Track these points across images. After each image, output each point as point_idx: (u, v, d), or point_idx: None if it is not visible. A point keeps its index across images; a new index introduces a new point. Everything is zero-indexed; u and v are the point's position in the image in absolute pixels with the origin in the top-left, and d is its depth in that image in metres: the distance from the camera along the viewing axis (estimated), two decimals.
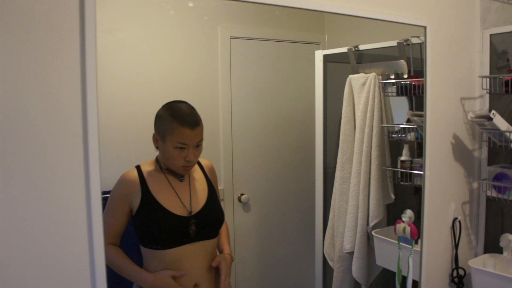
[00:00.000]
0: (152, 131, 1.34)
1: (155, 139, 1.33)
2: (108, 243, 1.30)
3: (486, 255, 1.85)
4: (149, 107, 1.34)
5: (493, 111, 1.63)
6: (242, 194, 1.88)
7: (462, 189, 1.90)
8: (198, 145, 1.32)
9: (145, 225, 1.30)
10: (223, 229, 1.47)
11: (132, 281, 1.32)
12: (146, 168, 1.35)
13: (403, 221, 1.70)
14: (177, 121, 1.28)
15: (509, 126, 1.65)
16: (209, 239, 1.37)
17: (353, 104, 1.90)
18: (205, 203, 1.37)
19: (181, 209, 1.33)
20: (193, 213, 1.33)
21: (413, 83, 1.75)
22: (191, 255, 1.32)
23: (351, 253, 1.88)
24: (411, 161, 1.82)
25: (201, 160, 1.46)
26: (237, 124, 1.80)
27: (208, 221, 1.37)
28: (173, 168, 1.34)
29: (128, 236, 1.43)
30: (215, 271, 1.41)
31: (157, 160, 1.38)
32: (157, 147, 1.34)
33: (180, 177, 1.38)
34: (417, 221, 1.72)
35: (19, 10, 0.89)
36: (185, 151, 1.29)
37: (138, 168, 1.35)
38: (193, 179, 1.40)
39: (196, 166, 1.45)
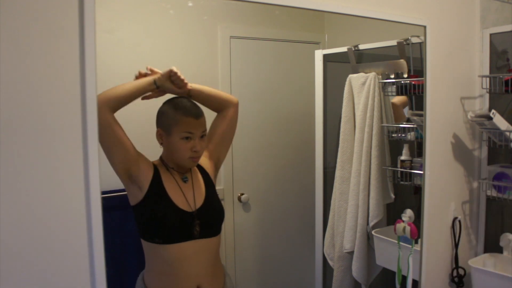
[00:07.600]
0: (152, 129, 1.33)
1: (159, 135, 1.33)
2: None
3: (486, 254, 1.85)
4: (148, 106, 1.33)
5: (493, 111, 1.63)
6: (242, 194, 1.88)
7: (462, 188, 1.90)
8: (203, 136, 1.34)
9: (149, 216, 1.28)
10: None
11: (141, 91, 1.29)
12: (155, 163, 1.35)
13: (403, 221, 1.70)
14: (182, 112, 1.30)
15: (509, 125, 1.65)
16: (212, 236, 1.35)
17: (353, 103, 1.90)
18: (204, 199, 1.36)
19: (185, 205, 1.32)
20: (196, 209, 1.33)
21: (413, 82, 1.75)
22: (193, 253, 1.30)
23: (351, 253, 1.88)
24: (411, 161, 1.82)
25: (201, 162, 1.45)
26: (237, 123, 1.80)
27: (211, 217, 1.36)
28: (180, 161, 1.33)
29: (129, 235, 1.44)
30: (219, 273, 1.40)
31: (161, 160, 1.37)
32: (161, 143, 1.34)
33: (184, 178, 1.37)
34: (417, 220, 1.71)
35: (19, 10, 0.89)
36: (191, 142, 1.30)
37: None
38: (196, 180, 1.39)
39: (196, 169, 1.44)
